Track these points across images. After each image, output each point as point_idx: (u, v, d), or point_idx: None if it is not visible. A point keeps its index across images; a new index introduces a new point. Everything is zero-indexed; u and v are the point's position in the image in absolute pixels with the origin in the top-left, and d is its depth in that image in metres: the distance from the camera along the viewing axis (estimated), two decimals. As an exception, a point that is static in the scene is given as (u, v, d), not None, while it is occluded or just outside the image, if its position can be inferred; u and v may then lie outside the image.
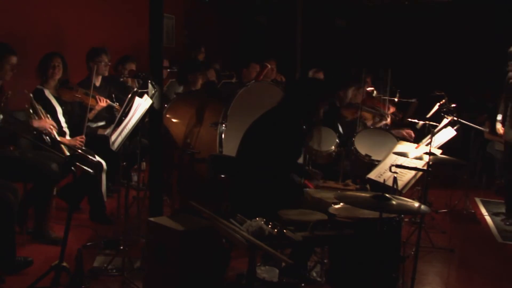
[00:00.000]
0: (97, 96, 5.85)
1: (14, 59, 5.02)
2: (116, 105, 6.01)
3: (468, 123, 6.82)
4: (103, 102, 5.89)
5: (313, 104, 4.35)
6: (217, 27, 10.89)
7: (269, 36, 11.10)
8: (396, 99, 7.28)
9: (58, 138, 5.20)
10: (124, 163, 5.26)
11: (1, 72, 4.98)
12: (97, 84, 6.12)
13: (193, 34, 10.25)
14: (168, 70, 7.99)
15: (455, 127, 6.27)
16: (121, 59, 7.05)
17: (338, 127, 6.20)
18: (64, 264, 3.79)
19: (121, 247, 4.54)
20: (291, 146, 4.26)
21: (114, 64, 7.01)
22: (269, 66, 7.95)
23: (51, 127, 5.15)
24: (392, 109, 7.07)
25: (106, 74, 6.29)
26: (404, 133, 6.68)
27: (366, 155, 5.64)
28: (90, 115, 5.76)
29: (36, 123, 5.10)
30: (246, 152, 4.32)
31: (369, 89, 7.41)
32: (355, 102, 7.11)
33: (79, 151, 4.78)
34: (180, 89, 6.54)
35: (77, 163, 3.91)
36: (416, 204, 3.38)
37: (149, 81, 4.55)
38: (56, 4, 6.84)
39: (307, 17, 9.76)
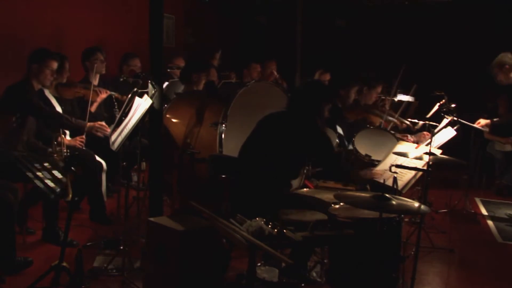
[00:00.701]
0: (97, 89, 5.89)
1: (54, 64, 5.10)
2: (115, 94, 6.04)
3: (468, 123, 6.81)
4: (103, 94, 5.93)
5: (317, 106, 4.36)
6: (217, 27, 10.88)
7: (269, 36, 11.09)
8: (395, 99, 7.28)
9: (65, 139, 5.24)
10: (124, 163, 5.26)
11: (41, 77, 5.04)
12: (95, 83, 6.15)
13: (193, 34, 10.25)
14: None
15: (455, 127, 6.27)
16: (124, 58, 7.05)
17: (336, 128, 6.18)
18: (64, 264, 3.80)
19: (121, 247, 4.54)
20: (297, 150, 4.27)
21: (118, 65, 7.03)
22: (276, 75, 7.98)
23: (98, 129, 5.39)
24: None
25: (104, 71, 6.31)
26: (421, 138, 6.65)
27: (366, 155, 5.63)
28: (92, 108, 5.84)
29: (89, 124, 5.38)
30: (251, 153, 4.32)
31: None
32: (365, 102, 7.09)
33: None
34: (181, 89, 6.53)
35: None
36: (416, 204, 3.38)
37: (149, 81, 4.55)
38: (56, 4, 6.83)
39: (307, 17, 9.76)
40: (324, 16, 11.02)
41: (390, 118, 6.76)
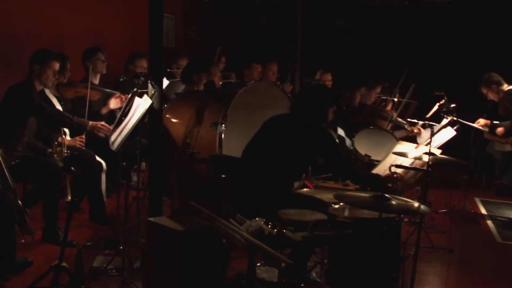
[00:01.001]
0: (121, 95, 5.95)
1: (56, 65, 5.11)
2: (117, 93, 6.06)
3: (468, 123, 6.82)
4: (117, 99, 5.94)
5: (322, 109, 4.38)
6: (217, 27, 10.89)
7: (269, 36, 11.09)
8: (395, 99, 7.28)
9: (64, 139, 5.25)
10: (124, 163, 5.26)
11: (43, 77, 5.04)
12: (96, 82, 6.16)
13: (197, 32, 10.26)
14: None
15: (455, 127, 6.27)
16: (130, 57, 7.05)
17: (337, 129, 6.17)
18: (64, 264, 3.81)
19: (121, 247, 4.54)
20: (302, 152, 4.28)
21: (124, 65, 7.03)
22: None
23: (100, 129, 5.31)
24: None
25: (104, 71, 6.31)
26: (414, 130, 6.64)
27: (366, 155, 5.64)
28: (104, 110, 5.99)
29: (91, 123, 5.30)
30: (255, 153, 4.33)
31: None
32: (365, 102, 7.07)
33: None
34: (181, 89, 6.53)
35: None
36: (416, 204, 3.38)
37: (149, 81, 4.54)
38: (56, 4, 6.84)
39: (307, 17, 9.76)
40: (324, 16, 11.02)
41: (400, 121, 6.73)
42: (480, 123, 7.05)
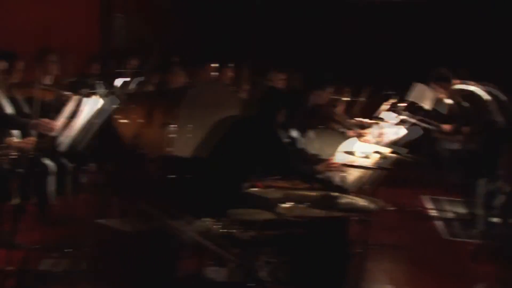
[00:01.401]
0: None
1: (2, 64, 4.97)
2: (69, 94, 5.95)
3: (418, 122, 6.93)
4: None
5: (273, 112, 4.41)
6: (171, 26, 10.80)
7: (224, 35, 11.04)
8: (348, 98, 7.34)
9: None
10: (73, 165, 5.20)
11: None
12: (49, 83, 6.06)
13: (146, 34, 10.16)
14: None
15: (406, 126, 6.38)
16: (90, 59, 6.95)
17: (290, 130, 6.17)
18: (10, 267, 3.74)
19: (69, 250, 4.48)
20: (251, 153, 4.30)
21: (90, 65, 6.95)
22: None
23: (43, 127, 5.08)
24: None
25: (56, 72, 6.22)
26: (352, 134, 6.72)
27: (316, 154, 5.67)
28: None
29: (34, 122, 5.05)
30: (206, 154, 4.33)
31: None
32: (319, 103, 7.09)
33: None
34: (133, 89, 6.47)
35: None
36: (365, 202, 3.43)
37: (100, 82, 4.51)
38: (8, 2, 6.73)
39: (263, 15, 9.75)
40: (279, 13, 10.96)
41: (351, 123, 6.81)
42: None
